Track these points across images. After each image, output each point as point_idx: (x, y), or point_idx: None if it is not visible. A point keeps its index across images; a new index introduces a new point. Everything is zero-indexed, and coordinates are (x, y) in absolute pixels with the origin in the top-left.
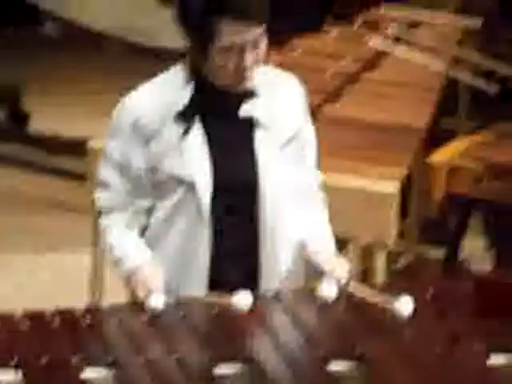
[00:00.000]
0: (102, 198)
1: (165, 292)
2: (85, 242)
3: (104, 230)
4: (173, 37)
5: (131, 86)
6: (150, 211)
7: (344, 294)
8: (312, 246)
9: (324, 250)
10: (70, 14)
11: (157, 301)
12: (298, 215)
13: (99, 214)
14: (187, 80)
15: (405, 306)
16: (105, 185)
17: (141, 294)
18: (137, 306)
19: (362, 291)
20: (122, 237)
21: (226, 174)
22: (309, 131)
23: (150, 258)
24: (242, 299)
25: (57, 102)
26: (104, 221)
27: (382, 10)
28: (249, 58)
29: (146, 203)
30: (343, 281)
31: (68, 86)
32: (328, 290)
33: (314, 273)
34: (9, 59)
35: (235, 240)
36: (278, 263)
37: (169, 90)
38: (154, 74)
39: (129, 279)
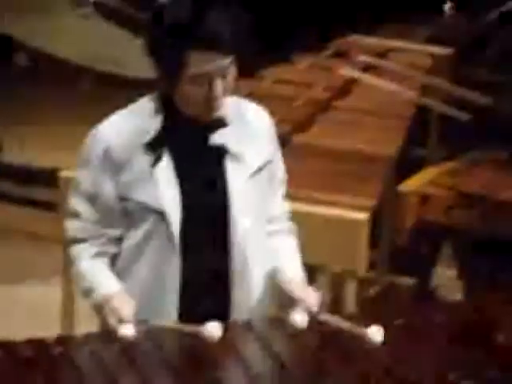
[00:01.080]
0: (71, 227)
1: (135, 321)
2: (56, 272)
3: (74, 259)
4: (143, 66)
5: (102, 116)
6: (120, 240)
7: (315, 323)
8: (283, 275)
9: (295, 279)
10: (41, 44)
11: (128, 329)
12: (268, 244)
13: (69, 243)
14: (157, 110)
15: (376, 333)
16: (75, 214)
17: (112, 322)
18: (109, 335)
19: (333, 320)
20: (91, 266)
21: (195, 203)
22: (278, 162)
23: (120, 288)
24: (212, 329)
25: (27, 132)
26: (74, 250)
27: (352, 39)
28: (218, 87)
29: (116, 232)
30: (314, 310)
31: (39, 115)
32: (299, 319)
33: (285, 301)
34: None
35: (206, 269)
36: (249, 292)
37: (139, 119)
38: (124, 104)
39: (99, 308)
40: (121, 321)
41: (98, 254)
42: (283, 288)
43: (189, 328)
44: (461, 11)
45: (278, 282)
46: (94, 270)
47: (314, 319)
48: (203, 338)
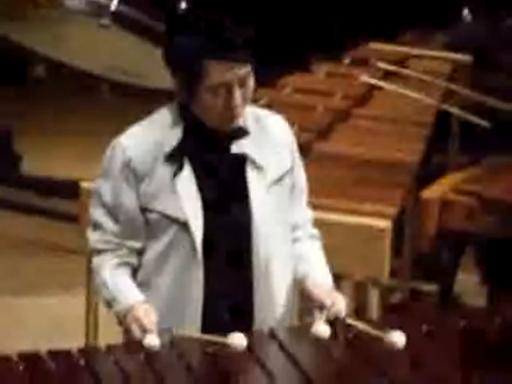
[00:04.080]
0: (93, 238)
1: (159, 330)
2: (78, 283)
3: (96, 269)
4: (162, 77)
5: (122, 127)
6: (140, 252)
7: (339, 331)
8: (309, 280)
9: (321, 284)
10: (60, 56)
11: (152, 340)
12: (293, 251)
13: (91, 253)
14: (177, 120)
15: (398, 338)
16: (96, 225)
17: (135, 332)
18: (132, 345)
19: (358, 325)
20: (113, 277)
21: (217, 213)
22: (299, 171)
23: (142, 298)
24: (237, 341)
25: (48, 144)
26: (95, 261)
27: (371, 47)
28: (237, 96)
29: (137, 244)
30: (341, 315)
31: (60, 127)
32: (322, 328)
33: (311, 306)
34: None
35: (229, 279)
36: (272, 302)
37: (159, 130)
38: (144, 115)
39: (122, 318)
40: (144, 330)
41: (120, 265)
42: (310, 293)
43: (213, 338)
44: (479, 17)
45: (305, 287)
46: (116, 281)
47: (340, 324)
48: (228, 348)
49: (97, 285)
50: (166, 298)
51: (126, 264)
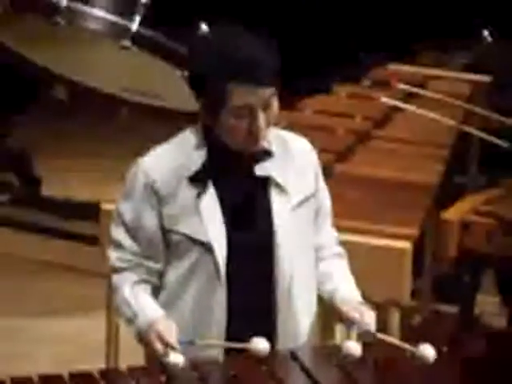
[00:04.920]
0: (113, 256)
1: (180, 342)
2: (99, 305)
3: (115, 288)
4: (183, 98)
5: (142, 149)
6: (161, 273)
7: (368, 353)
8: (338, 299)
9: (350, 301)
10: (80, 77)
11: (177, 358)
12: (318, 272)
13: (111, 272)
14: (200, 142)
15: (428, 350)
16: (117, 244)
17: (157, 347)
18: (153, 367)
19: (389, 339)
20: (133, 294)
21: (241, 235)
22: (324, 193)
23: (163, 313)
24: (260, 345)
25: (67, 166)
26: (115, 279)
27: (391, 68)
28: (260, 119)
29: (157, 266)
30: (370, 329)
31: (78, 149)
32: (353, 346)
33: (341, 322)
34: (19, 123)
35: (252, 300)
36: (295, 323)
37: (183, 152)
38: (164, 137)
39: (144, 334)
40: (166, 345)
41: (140, 282)
42: (339, 310)
43: (236, 345)
44: (499, 38)
45: (334, 305)
46: (136, 297)
47: (369, 338)
48: (252, 353)
49: (117, 303)
50: (189, 319)
51: (146, 282)
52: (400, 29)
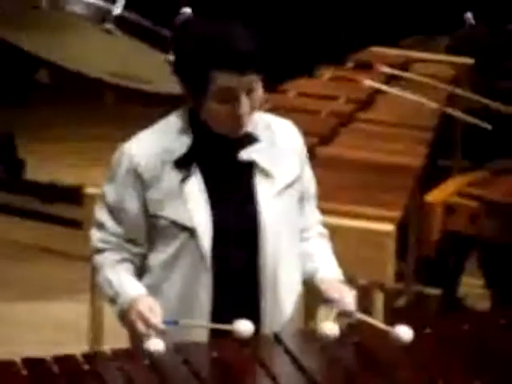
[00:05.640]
0: (95, 237)
1: (164, 322)
2: (82, 288)
3: (97, 268)
4: (166, 82)
5: (126, 133)
6: (144, 256)
7: (345, 333)
8: (318, 277)
9: (330, 280)
10: (63, 61)
11: (157, 344)
12: (302, 249)
13: (93, 252)
14: (185, 127)
15: (405, 332)
16: (100, 225)
17: (140, 328)
18: (138, 350)
19: (367, 319)
20: (114, 272)
21: (226, 219)
22: (309, 176)
23: (145, 291)
24: (243, 326)
25: (51, 149)
26: (96, 260)
27: (374, 51)
28: (244, 104)
29: (137, 249)
30: (350, 308)
31: (62, 133)
32: (330, 327)
33: (321, 301)
34: (2, 107)
35: (237, 285)
36: (279, 307)
37: (167, 137)
38: (148, 120)
39: (126, 313)
40: (148, 325)
41: (121, 261)
42: (318, 289)
43: (219, 326)
44: (481, 21)
45: (313, 283)
46: (118, 276)
47: (349, 317)
48: (236, 335)
49: (99, 283)
50: (174, 304)
51: (128, 261)
52: (384, 13)
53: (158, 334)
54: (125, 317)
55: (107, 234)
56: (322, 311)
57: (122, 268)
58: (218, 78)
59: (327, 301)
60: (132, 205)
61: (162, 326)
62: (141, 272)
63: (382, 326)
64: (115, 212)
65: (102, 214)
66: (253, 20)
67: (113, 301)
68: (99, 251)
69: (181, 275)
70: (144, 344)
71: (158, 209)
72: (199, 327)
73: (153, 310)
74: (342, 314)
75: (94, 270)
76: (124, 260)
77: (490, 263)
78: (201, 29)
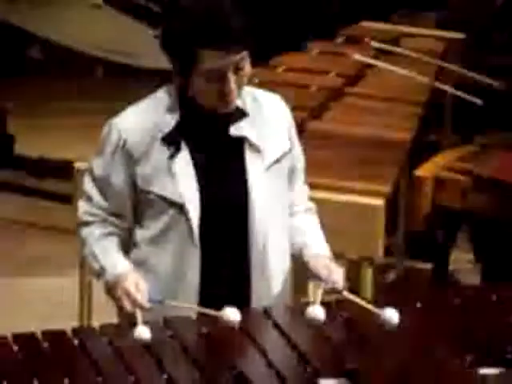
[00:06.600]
0: (82, 209)
1: (150, 301)
2: (72, 263)
3: (83, 240)
4: (155, 57)
5: (115, 107)
6: (130, 231)
7: (334, 310)
8: (306, 253)
9: (318, 256)
10: (53, 36)
11: (144, 333)
12: (290, 223)
13: (79, 225)
14: (174, 102)
15: (392, 315)
16: (87, 197)
17: (126, 305)
18: (126, 325)
19: (354, 299)
20: (100, 246)
21: (214, 195)
22: (298, 151)
23: (131, 266)
24: (231, 315)
25: (41, 124)
26: (83, 232)
27: (364, 25)
28: (231, 81)
29: (123, 224)
30: (338, 286)
31: (52, 107)
32: (318, 311)
33: (310, 276)
34: None
35: (226, 261)
36: (268, 282)
37: (156, 112)
38: (138, 95)
39: (112, 289)
40: (134, 303)
41: (107, 235)
42: (307, 265)
43: (207, 311)
44: None
45: (302, 258)
46: (104, 250)
47: (336, 295)
48: (222, 323)
49: (85, 256)
50: (163, 279)
51: (114, 235)
52: None
53: (143, 311)
54: (111, 292)
55: (94, 207)
56: (311, 286)
57: (108, 242)
58: (205, 57)
59: (316, 278)
60: (118, 179)
61: (147, 305)
62: (128, 247)
63: (368, 306)
64: (102, 186)
65: (89, 186)
66: None
67: (99, 275)
68: (86, 224)
69: (169, 251)
70: (131, 332)
71: (147, 184)
72: (186, 309)
73: (139, 287)
74: (330, 292)
75: (80, 243)
76: (110, 234)
77: (479, 238)
78: (189, 4)
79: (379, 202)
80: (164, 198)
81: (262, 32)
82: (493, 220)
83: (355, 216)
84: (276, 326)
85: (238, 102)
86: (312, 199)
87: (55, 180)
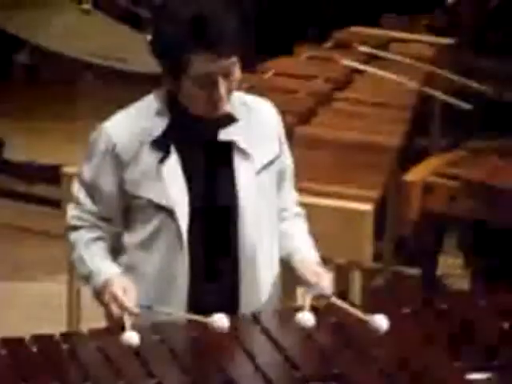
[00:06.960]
0: (71, 214)
1: (138, 306)
2: (60, 268)
3: (72, 245)
4: (145, 61)
5: (105, 113)
6: (119, 236)
7: (324, 315)
8: (295, 258)
9: (307, 261)
10: (42, 41)
11: (132, 337)
12: (280, 231)
13: (68, 228)
14: (163, 107)
15: (380, 321)
16: (76, 202)
17: (114, 310)
18: (115, 330)
19: (342, 305)
20: (89, 251)
21: (203, 200)
22: (287, 156)
23: (119, 271)
24: (219, 321)
25: (30, 129)
26: (71, 236)
27: (352, 30)
28: (221, 87)
29: (113, 229)
30: (326, 292)
31: (41, 112)
32: (307, 317)
33: (298, 282)
34: None
35: (215, 267)
36: (257, 287)
37: (145, 117)
38: (128, 100)
39: (100, 293)
40: (122, 308)
41: (96, 239)
42: (295, 270)
43: (195, 318)
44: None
45: (290, 264)
46: (92, 255)
47: (325, 301)
48: (210, 329)
49: (73, 260)
50: (152, 283)
51: (102, 239)
52: None
53: (132, 316)
54: (99, 296)
55: (83, 211)
56: (300, 292)
57: (97, 246)
58: (195, 63)
59: (304, 284)
60: (107, 184)
61: (135, 310)
62: (117, 251)
63: (357, 313)
64: (91, 191)
65: (78, 191)
66: (232, 2)
67: (87, 279)
68: (74, 228)
69: (158, 255)
70: (119, 336)
71: (136, 189)
72: (174, 316)
73: (127, 292)
74: (319, 299)
75: (69, 247)
76: (99, 238)
77: (468, 243)
78: (178, 10)
79: (368, 207)
80: (153, 203)
81: (252, 37)
82: (481, 225)
83: (343, 221)
84: (264, 330)
85: (228, 107)
86: (301, 204)
87: (43, 184)
